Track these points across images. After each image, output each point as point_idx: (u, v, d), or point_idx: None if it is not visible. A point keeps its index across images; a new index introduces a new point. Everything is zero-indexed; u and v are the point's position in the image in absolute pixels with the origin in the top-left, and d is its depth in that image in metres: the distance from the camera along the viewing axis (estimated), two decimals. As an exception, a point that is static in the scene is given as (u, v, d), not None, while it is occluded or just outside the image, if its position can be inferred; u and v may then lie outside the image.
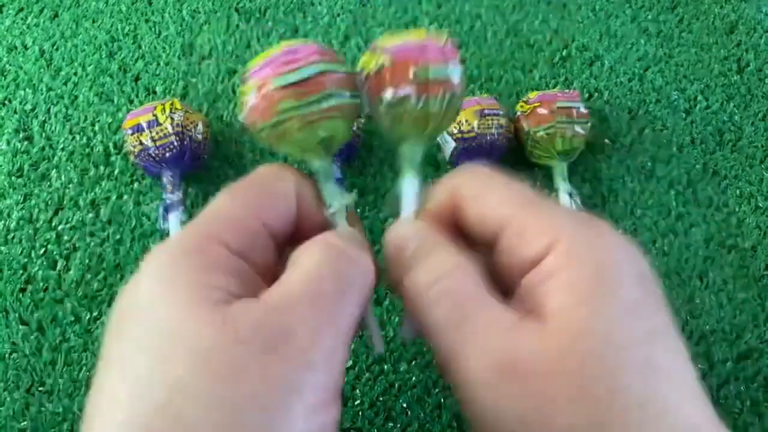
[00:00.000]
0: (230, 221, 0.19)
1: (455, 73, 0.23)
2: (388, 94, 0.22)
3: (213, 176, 0.37)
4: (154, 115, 0.34)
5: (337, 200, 0.22)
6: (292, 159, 0.36)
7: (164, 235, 0.34)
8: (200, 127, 0.35)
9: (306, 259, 0.18)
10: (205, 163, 0.37)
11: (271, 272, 0.19)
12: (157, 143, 0.33)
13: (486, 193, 0.20)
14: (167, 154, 0.34)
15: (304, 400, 0.16)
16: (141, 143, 0.34)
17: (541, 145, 0.37)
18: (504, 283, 0.19)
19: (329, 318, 0.17)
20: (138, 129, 0.34)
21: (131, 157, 0.35)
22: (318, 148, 0.22)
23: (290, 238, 0.21)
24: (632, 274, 0.18)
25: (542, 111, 0.37)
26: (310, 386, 0.16)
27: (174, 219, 0.33)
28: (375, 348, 0.24)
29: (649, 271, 0.19)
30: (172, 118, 0.34)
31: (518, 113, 0.38)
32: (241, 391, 0.15)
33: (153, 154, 0.33)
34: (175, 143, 0.34)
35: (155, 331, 0.16)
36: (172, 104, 0.35)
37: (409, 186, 0.24)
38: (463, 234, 0.21)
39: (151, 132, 0.33)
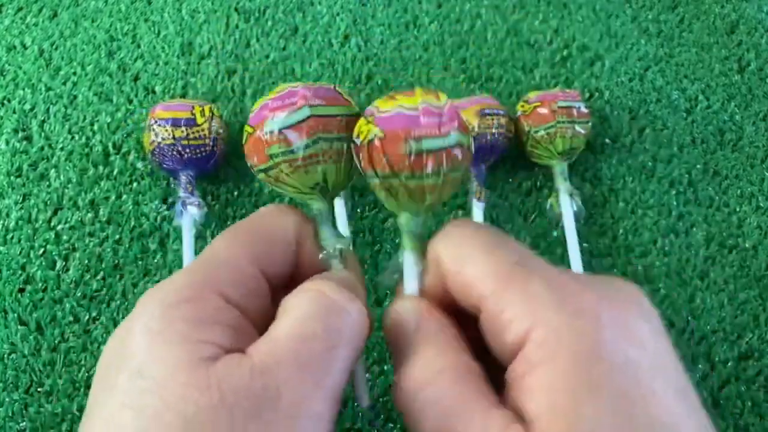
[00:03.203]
0: (228, 268, 0.18)
1: (453, 141, 0.21)
2: (379, 169, 0.21)
3: (213, 176, 0.37)
4: (193, 114, 0.34)
5: (332, 243, 0.21)
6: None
7: (165, 235, 0.34)
8: (224, 135, 0.36)
9: (294, 310, 0.17)
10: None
11: (265, 318, 0.18)
12: (191, 142, 0.33)
13: (464, 266, 0.18)
14: (197, 156, 0.34)
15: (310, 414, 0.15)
16: (173, 137, 0.33)
17: (541, 144, 0.36)
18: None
19: (317, 380, 0.16)
20: (175, 123, 0.34)
21: (149, 147, 0.34)
22: (313, 192, 0.22)
23: (288, 280, 0.20)
24: (621, 358, 0.15)
25: (542, 111, 0.37)
26: None
27: (187, 219, 0.33)
28: (360, 402, 0.23)
29: (652, 334, 0.17)
30: (211, 124, 0.34)
31: (519, 113, 0.38)
32: None
33: (182, 152, 0.33)
34: (208, 147, 0.34)
35: (143, 389, 0.15)
36: (211, 109, 0.35)
37: (407, 261, 0.22)
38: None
39: (187, 130, 0.33)
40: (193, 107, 0.35)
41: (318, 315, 0.17)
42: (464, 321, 0.19)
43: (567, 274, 0.18)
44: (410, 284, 0.21)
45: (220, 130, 0.35)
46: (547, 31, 0.47)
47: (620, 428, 0.15)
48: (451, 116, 0.22)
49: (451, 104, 0.23)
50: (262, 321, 0.18)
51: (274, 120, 0.21)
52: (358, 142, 0.22)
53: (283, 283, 0.20)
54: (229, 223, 0.35)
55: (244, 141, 0.22)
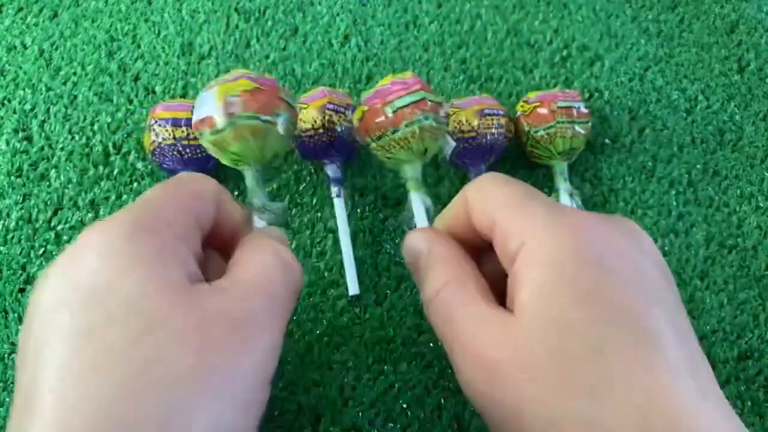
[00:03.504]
0: (172, 209, 0.20)
1: (419, 97, 0.29)
2: (371, 134, 0.30)
3: (213, 176, 0.37)
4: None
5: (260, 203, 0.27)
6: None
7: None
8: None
9: (258, 262, 0.21)
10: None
11: (200, 262, 0.21)
12: (191, 142, 0.33)
13: (484, 197, 0.22)
14: (197, 156, 0.34)
15: (260, 374, 0.19)
16: (174, 137, 0.33)
17: (541, 145, 0.36)
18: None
19: (281, 314, 0.20)
20: (175, 123, 0.33)
21: (149, 148, 0.34)
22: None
23: (207, 235, 0.23)
24: (596, 261, 0.19)
25: (542, 111, 0.37)
26: (264, 365, 0.19)
27: None
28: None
29: (637, 251, 0.19)
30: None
31: (519, 113, 0.38)
32: (211, 363, 0.17)
33: (183, 152, 0.33)
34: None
35: (126, 308, 0.17)
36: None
37: (415, 201, 0.29)
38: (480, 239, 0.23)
39: (188, 130, 0.33)
40: (193, 107, 0.35)
41: (281, 269, 0.21)
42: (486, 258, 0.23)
43: (569, 207, 0.21)
44: (420, 219, 0.28)
45: None
46: (547, 31, 0.47)
47: (583, 316, 0.18)
48: (416, 82, 0.30)
49: (416, 76, 0.31)
50: (199, 264, 0.21)
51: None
52: (356, 124, 0.31)
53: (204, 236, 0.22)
54: (229, 223, 0.35)
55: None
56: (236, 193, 0.36)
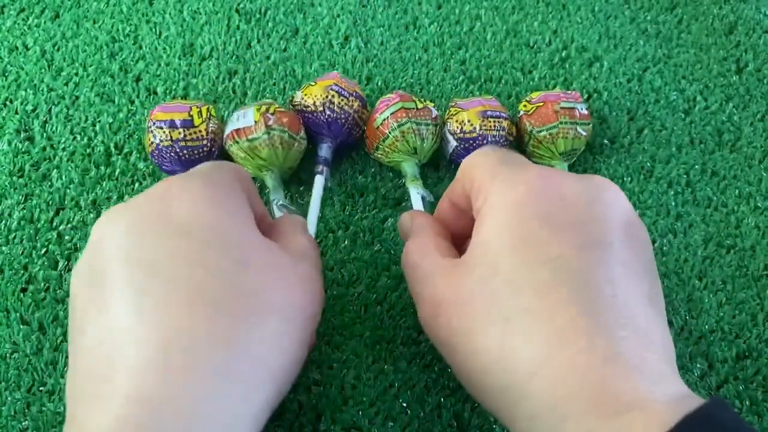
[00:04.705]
0: (242, 179, 0.24)
1: (395, 108, 0.36)
2: (375, 144, 0.37)
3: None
4: (190, 116, 0.34)
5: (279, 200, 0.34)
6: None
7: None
8: (221, 135, 0.36)
9: (299, 238, 0.25)
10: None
11: None
12: (188, 143, 0.34)
13: (470, 162, 0.25)
14: (195, 157, 0.34)
15: (317, 319, 0.24)
16: (171, 139, 0.34)
17: (543, 145, 0.37)
18: None
19: (319, 279, 0.25)
20: (172, 125, 0.34)
21: (149, 149, 0.35)
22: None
23: None
24: (534, 214, 0.21)
25: (545, 111, 0.37)
26: (317, 316, 0.24)
27: None
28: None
29: (563, 205, 0.21)
30: (208, 124, 0.35)
31: (521, 113, 0.39)
32: (296, 302, 0.22)
33: (180, 153, 0.34)
34: (206, 149, 0.34)
35: (226, 239, 0.20)
36: (208, 110, 0.35)
37: (414, 194, 0.35)
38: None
39: (184, 131, 0.34)
40: (191, 108, 0.35)
41: (314, 243, 0.26)
42: None
43: (544, 167, 0.23)
44: (416, 206, 0.34)
45: (218, 131, 0.35)
46: (546, 32, 0.47)
47: (517, 257, 0.20)
48: (396, 96, 0.37)
49: (397, 92, 0.37)
50: None
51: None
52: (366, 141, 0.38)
53: None
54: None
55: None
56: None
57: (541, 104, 0.37)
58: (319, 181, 0.35)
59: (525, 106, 0.38)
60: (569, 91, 0.39)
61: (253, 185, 0.25)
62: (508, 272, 0.20)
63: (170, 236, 0.19)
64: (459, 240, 0.27)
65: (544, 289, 0.19)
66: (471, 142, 0.36)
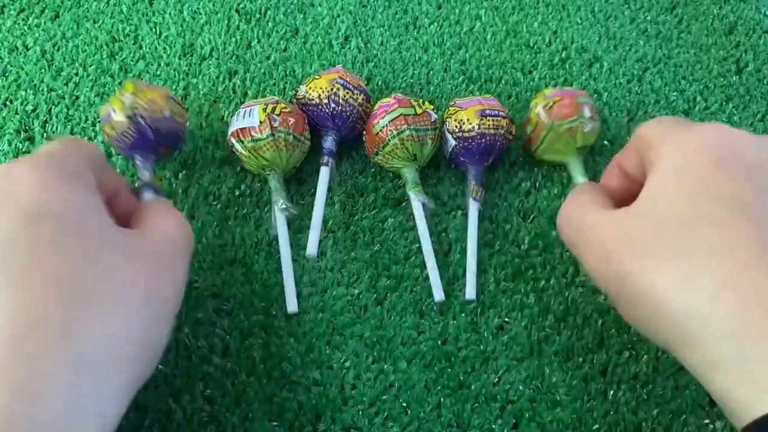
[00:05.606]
0: (89, 154, 0.24)
1: (395, 115, 0.35)
2: (374, 149, 0.37)
3: (214, 177, 0.37)
4: (112, 104, 0.33)
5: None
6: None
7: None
8: (160, 102, 0.34)
9: (162, 221, 0.26)
10: (182, 147, 0.37)
11: None
12: (117, 131, 0.33)
13: (648, 126, 0.27)
14: (129, 141, 0.33)
15: (178, 300, 0.24)
16: (107, 133, 0.34)
17: (563, 138, 0.36)
18: None
19: (185, 257, 0.26)
20: (106, 119, 0.33)
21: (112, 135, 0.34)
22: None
23: None
24: (709, 159, 0.22)
25: (566, 105, 0.36)
26: (179, 295, 0.25)
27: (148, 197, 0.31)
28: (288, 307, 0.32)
29: (736, 155, 0.22)
30: (123, 103, 0.33)
31: (539, 107, 0.37)
32: (153, 287, 0.22)
33: (118, 143, 0.33)
34: (131, 130, 0.33)
35: (83, 226, 0.21)
36: (124, 88, 0.33)
37: (414, 200, 0.35)
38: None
39: (111, 122, 0.33)
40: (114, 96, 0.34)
41: (179, 225, 0.27)
42: None
43: (712, 123, 0.25)
44: (418, 215, 0.34)
45: (138, 104, 0.33)
46: (546, 32, 0.47)
47: (688, 196, 0.22)
48: (395, 101, 0.36)
49: (395, 97, 0.37)
50: None
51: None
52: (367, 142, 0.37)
53: None
54: (230, 223, 0.35)
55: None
56: (237, 192, 0.36)
57: (559, 98, 0.37)
58: (324, 172, 0.35)
59: (545, 100, 0.37)
60: (577, 90, 0.39)
61: (104, 161, 0.26)
62: (685, 209, 0.21)
63: (19, 222, 0.20)
64: (619, 204, 0.28)
65: (724, 224, 0.20)
66: (470, 141, 0.36)
